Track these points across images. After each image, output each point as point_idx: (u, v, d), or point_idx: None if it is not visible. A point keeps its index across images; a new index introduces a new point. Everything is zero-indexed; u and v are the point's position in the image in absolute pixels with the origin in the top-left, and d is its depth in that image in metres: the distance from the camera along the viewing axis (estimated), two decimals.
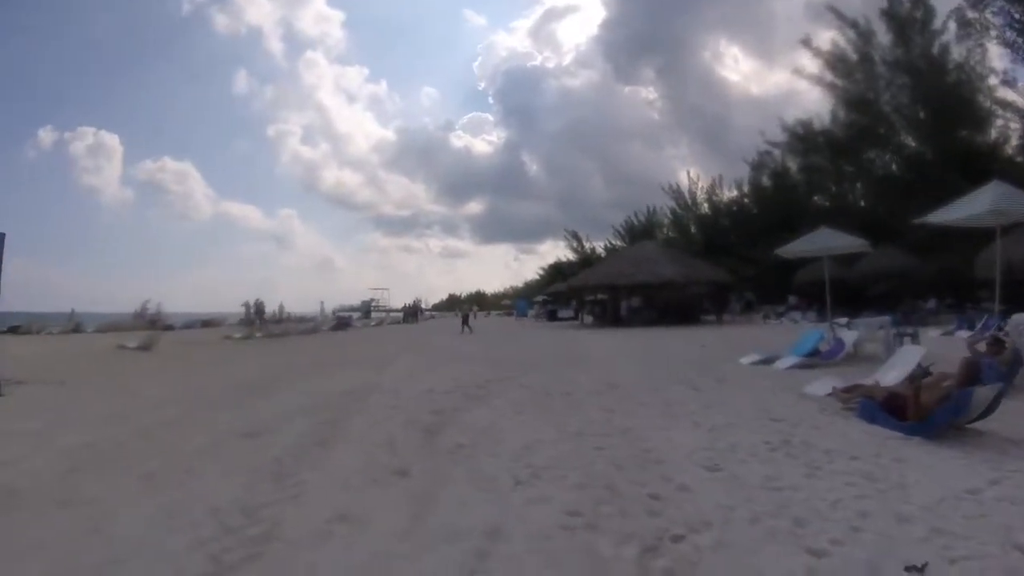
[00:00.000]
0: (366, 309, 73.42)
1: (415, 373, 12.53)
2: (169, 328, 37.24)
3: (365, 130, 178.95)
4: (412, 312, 66.15)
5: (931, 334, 16.56)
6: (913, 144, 36.53)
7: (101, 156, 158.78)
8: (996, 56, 32.35)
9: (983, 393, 5.67)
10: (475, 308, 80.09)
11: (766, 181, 47.71)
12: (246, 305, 37.71)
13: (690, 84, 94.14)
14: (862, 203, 40.24)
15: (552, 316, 49.71)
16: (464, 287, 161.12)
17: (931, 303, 28.20)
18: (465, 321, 33.50)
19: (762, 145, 46.05)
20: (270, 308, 39.32)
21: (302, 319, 43.97)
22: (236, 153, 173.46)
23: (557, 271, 75.57)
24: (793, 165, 44.94)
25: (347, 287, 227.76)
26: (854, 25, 37.06)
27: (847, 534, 3.44)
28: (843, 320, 17.45)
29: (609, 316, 36.14)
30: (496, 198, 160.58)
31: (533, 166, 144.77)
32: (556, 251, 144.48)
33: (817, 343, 12.71)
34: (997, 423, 5.83)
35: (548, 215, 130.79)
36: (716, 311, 35.81)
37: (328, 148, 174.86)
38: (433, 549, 3.46)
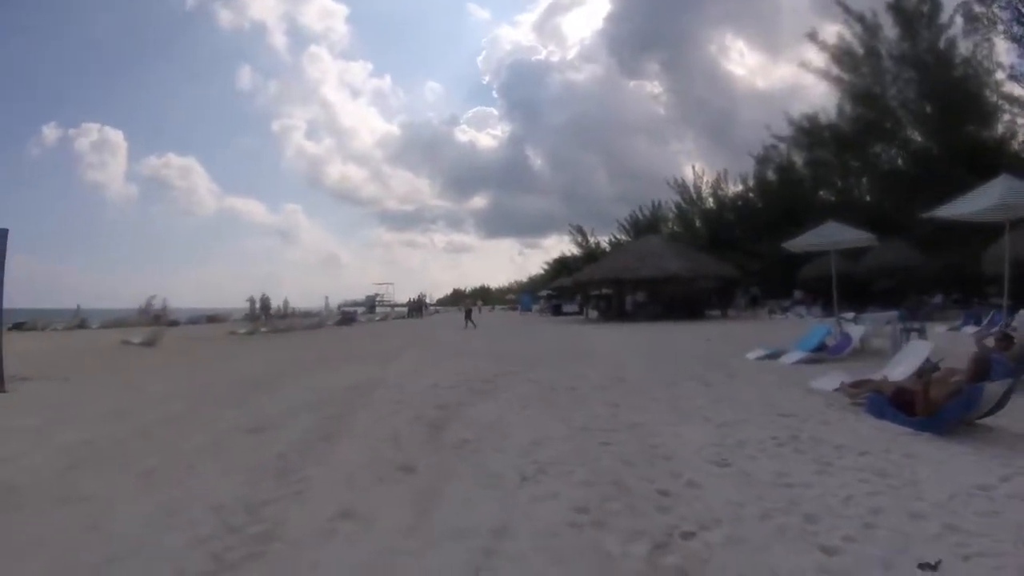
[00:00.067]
0: (370, 304, 73.42)
1: (420, 368, 12.51)
2: (174, 324, 37.35)
3: (369, 125, 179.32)
4: (416, 307, 66.26)
5: (937, 329, 16.45)
6: (919, 139, 36.30)
7: (105, 152, 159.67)
8: (1003, 51, 32.14)
9: (993, 389, 5.60)
10: (479, 303, 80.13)
11: (771, 175, 47.39)
12: (250, 300, 37.78)
13: (695, 78, 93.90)
14: (868, 198, 40.06)
15: (557, 311, 49.68)
16: (468, 282, 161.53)
17: (937, 298, 28.06)
18: (468, 316, 33.42)
19: (768, 139, 45.84)
20: (275, 303, 39.44)
21: (307, 314, 43.98)
22: (240, 148, 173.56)
23: (562, 266, 75.47)
24: (799, 159, 44.65)
25: (351, 282, 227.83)
26: (861, 19, 36.84)
27: (860, 531, 3.39)
28: (850, 315, 17.34)
29: (614, 311, 36.02)
30: (500, 193, 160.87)
31: (537, 160, 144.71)
32: (560, 246, 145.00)
33: (824, 338, 12.62)
34: (1006, 419, 5.75)
35: (552, 210, 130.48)
36: (721, 306, 35.69)
37: (332, 143, 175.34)
38: (438, 547, 3.40)
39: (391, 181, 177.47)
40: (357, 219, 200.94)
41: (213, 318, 46.89)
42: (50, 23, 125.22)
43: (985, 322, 17.34)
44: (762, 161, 47.66)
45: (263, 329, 30.66)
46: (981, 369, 6.28)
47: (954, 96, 32.82)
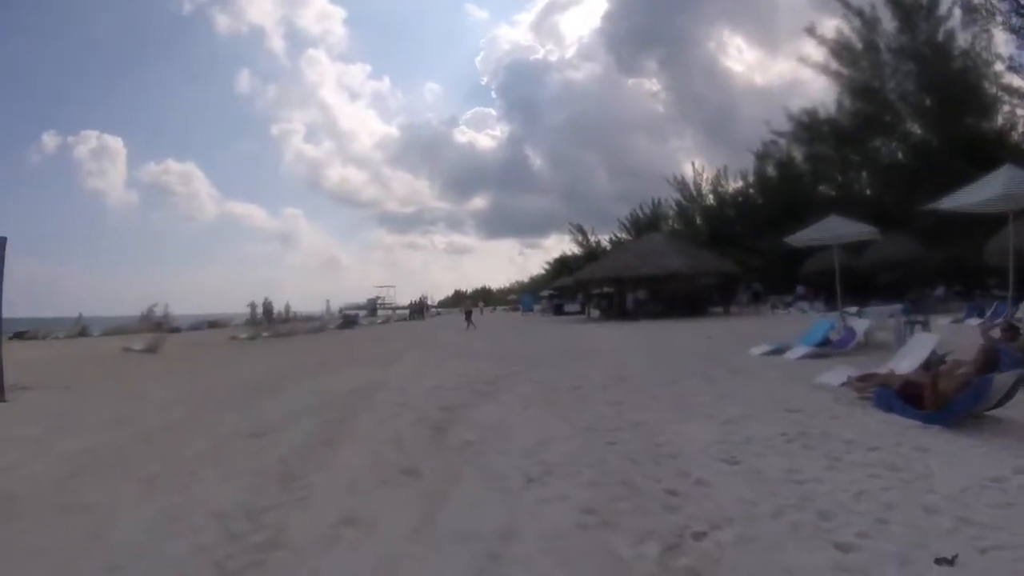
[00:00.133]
0: (372, 307, 73.27)
1: (422, 370, 12.44)
2: (175, 330, 37.34)
3: (368, 127, 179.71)
4: (418, 309, 66.22)
5: (940, 322, 16.37)
6: (919, 132, 36.17)
7: (105, 159, 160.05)
8: (1002, 42, 31.96)
9: (1002, 380, 5.55)
10: (481, 304, 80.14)
11: (771, 171, 47.36)
12: (251, 305, 37.68)
13: (694, 75, 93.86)
14: (868, 192, 39.94)
15: (558, 310, 49.56)
16: (470, 283, 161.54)
17: (939, 291, 28.02)
18: (468, 317, 33.40)
19: (767, 135, 45.79)
20: (276, 308, 39.31)
21: (308, 318, 43.92)
22: (240, 153, 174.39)
23: (563, 265, 75.48)
24: (798, 155, 44.58)
25: (353, 285, 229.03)
26: (859, 13, 36.68)
27: (873, 527, 3.33)
28: (853, 309, 17.27)
29: (616, 309, 35.89)
30: (500, 193, 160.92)
31: (537, 160, 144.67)
32: (561, 245, 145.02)
33: (827, 332, 12.57)
34: (1014, 410, 5.69)
35: (552, 209, 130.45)
36: (723, 302, 35.62)
37: (332, 146, 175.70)
38: (443, 551, 3.34)
39: (391, 183, 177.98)
40: (357, 222, 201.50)
41: (215, 324, 46.97)
42: (47, 26, 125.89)
43: (988, 314, 17.29)
44: (762, 157, 47.72)
45: (264, 334, 30.61)
46: (990, 360, 6.23)
47: (953, 88, 32.70)
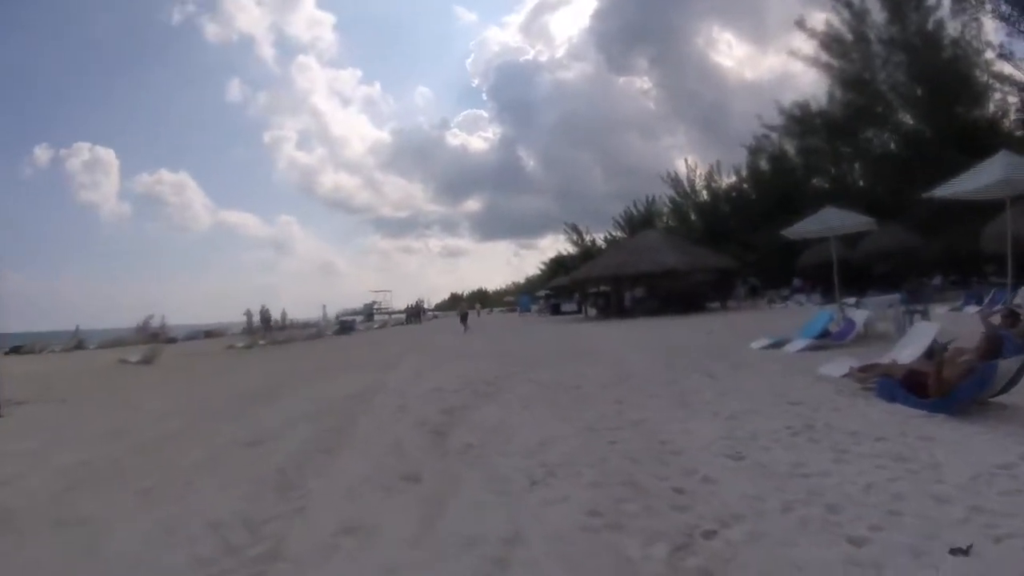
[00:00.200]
0: (368, 312, 73.29)
1: (421, 373, 12.36)
2: (172, 340, 37.25)
3: (360, 132, 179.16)
4: (415, 313, 66.15)
5: (939, 311, 16.33)
6: (911, 122, 36.24)
7: (98, 171, 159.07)
8: (992, 30, 31.99)
9: (1006, 365, 5.52)
10: (478, 306, 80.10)
11: (764, 165, 47.39)
12: (247, 314, 37.52)
13: (684, 72, 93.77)
14: (861, 183, 39.98)
15: (555, 310, 49.45)
16: (466, 285, 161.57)
17: (937, 280, 28.02)
18: (464, 319, 33.37)
19: (759, 129, 45.84)
20: (273, 315, 39.12)
21: (305, 325, 43.81)
22: (233, 161, 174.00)
23: (559, 265, 75.45)
24: (791, 148, 44.65)
25: (349, 291, 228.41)
26: (848, 4, 36.66)
27: (884, 519, 3.28)
28: (851, 300, 17.25)
29: (613, 308, 35.84)
30: (494, 195, 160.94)
31: (530, 161, 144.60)
32: (556, 245, 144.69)
33: (827, 324, 12.51)
34: (1019, 396, 5.63)
35: (547, 209, 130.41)
36: (721, 298, 35.59)
37: (324, 152, 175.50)
38: (447, 558, 3.26)
39: (384, 188, 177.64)
40: (352, 227, 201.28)
41: (211, 333, 46.87)
42: (37, 40, 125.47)
43: (987, 301, 17.26)
44: (754, 151, 47.69)
45: (261, 342, 30.51)
46: (993, 347, 6.17)
47: (944, 77, 32.74)
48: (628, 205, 65.28)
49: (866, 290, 23.68)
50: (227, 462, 5.88)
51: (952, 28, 33.20)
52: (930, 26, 33.92)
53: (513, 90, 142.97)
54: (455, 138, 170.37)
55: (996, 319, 8.64)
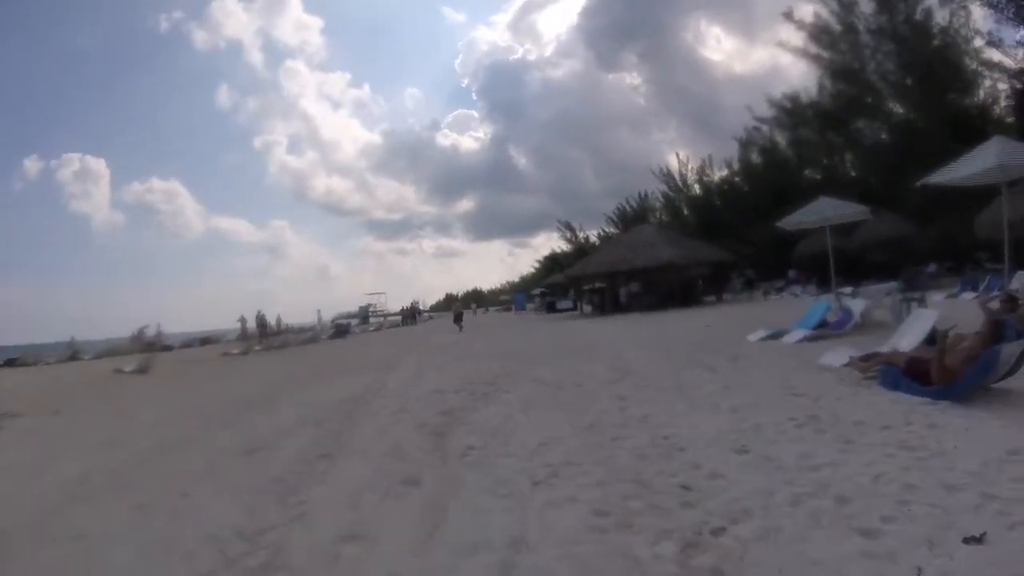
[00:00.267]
0: (364, 315, 73.16)
1: (419, 374, 12.28)
2: (167, 348, 37.02)
3: (351, 135, 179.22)
4: (411, 314, 66.00)
5: (935, 298, 16.31)
6: (901, 111, 36.41)
7: (89, 181, 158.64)
8: (980, 17, 32.09)
9: (1009, 350, 5.47)
10: (474, 305, 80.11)
11: (756, 158, 47.68)
12: (241, 320, 37.28)
13: (674, 67, 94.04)
14: (853, 173, 40.08)
15: (551, 308, 49.30)
16: (461, 285, 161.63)
17: (931, 267, 28.03)
18: (459, 319, 33.27)
19: (750, 122, 46.07)
20: (269, 320, 38.87)
21: (301, 329, 43.62)
22: (224, 168, 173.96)
23: (553, 262, 75.51)
24: (782, 140, 44.89)
25: (344, 294, 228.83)
26: None
27: (896, 509, 3.23)
28: (848, 290, 17.22)
29: (609, 304, 35.77)
30: (487, 194, 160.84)
31: (522, 160, 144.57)
32: (550, 243, 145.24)
33: (824, 314, 12.47)
34: (1020, 381, 5.60)
35: (540, 208, 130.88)
36: (716, 291, 35.57)
37: (315, 156, 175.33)
38: (451, 565, 3.18)
39: (377, 190, 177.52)
40: (345, 230, 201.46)
41: (207, 340, 46.63)
42: (23, 52, 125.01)
43: (982, 287, 17.26)
44: (746, 144, 48.01)
45: (257, 348, 30.33)
46: (995, 332, 6.13)
47: (934, 66, 32.90)
48: (621, 201, 65.49)
49: (862, 279, 23.70)
50: (224, 471, 5.79)
51: (940, 17, 33.43)
52: (918, 15, 34.06)
53: (503, 89, 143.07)
54: (446, 139, 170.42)
55: (995, 304, 8.60)
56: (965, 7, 31.87)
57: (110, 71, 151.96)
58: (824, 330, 11.72)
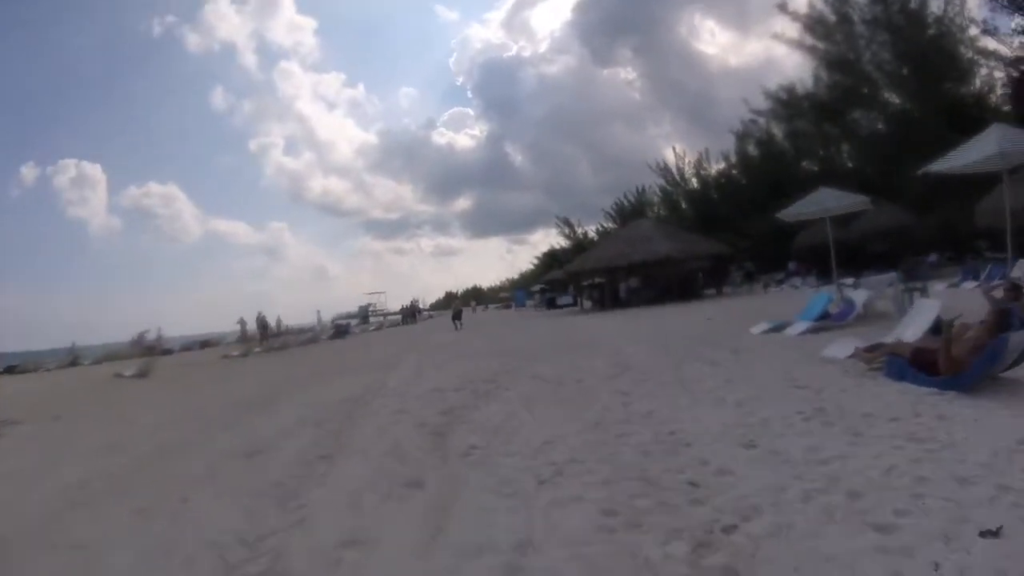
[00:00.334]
0: (364, 314, 73.12)
1: (420, 373, 12.22)
2: (167, 352, 37.00)
3: (347, 135, 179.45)
4: (410, 313, 65.94)
5: (937, 287, 16.24)
6: (898, 101, 36.33)
7: (86, 187, 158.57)
8: (975, 5, 32.10)
9: (1016, 339, 5.39)
10: (473, 303, 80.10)
11: (753, 151, 47.61)
12: (241, 322, 37.21)
13: (668, 61, 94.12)
14: (850, 164, 40.05)
15: (551, 304, 49.27)
16: (460, 283, 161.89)
17: (932, 257, 27.98)
18: (457, 317, 33.14)
19: (746, 115, 46.05)
20: (269, 322, 38.76)
21: (301, 330, 43.59)
22: (220, 170, 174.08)
23: (552, 259, 75.51)
24: (779, 132, 44.86)
25: (343, 294, 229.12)
26: None
27: (910, 503, 3.16)
28: (849, 281, 17.16)
29: (608, 299, 35.74)
30: (484, 192, 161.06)
31: (518, 157, 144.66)
32: (548, 239, 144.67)
33: (826, 306, 12.40)
34: None
35: (537, 204, 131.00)
36: (716, 284, 35.52)
37: (312, 157, 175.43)
38: (456, 568, 3.10)
39: (374, 190, 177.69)
40: (342, 231, 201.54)
41: (206, 343, 46.59)
42: (17, 59, 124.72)
43: (983, 276, 17.21)
44: (742, 137, 47.92)
45: (257, 349, 30.29)
46: (1001, 321, 6.05)
47: (929, 55, 32.87)
48: (618, 196, 65.40)
49: (862, 270, 23.63)
50: (224, 475, 5.72)
51: (935, 6, 33.48)
52: (913, 4, 34.07)
53: (498, 87, 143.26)
54: (442, 137, 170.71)
55: (999, 293, 8.54)
56: None
57: (105, 77, 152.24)
58: (826, 322, 11.65)
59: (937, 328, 7.35)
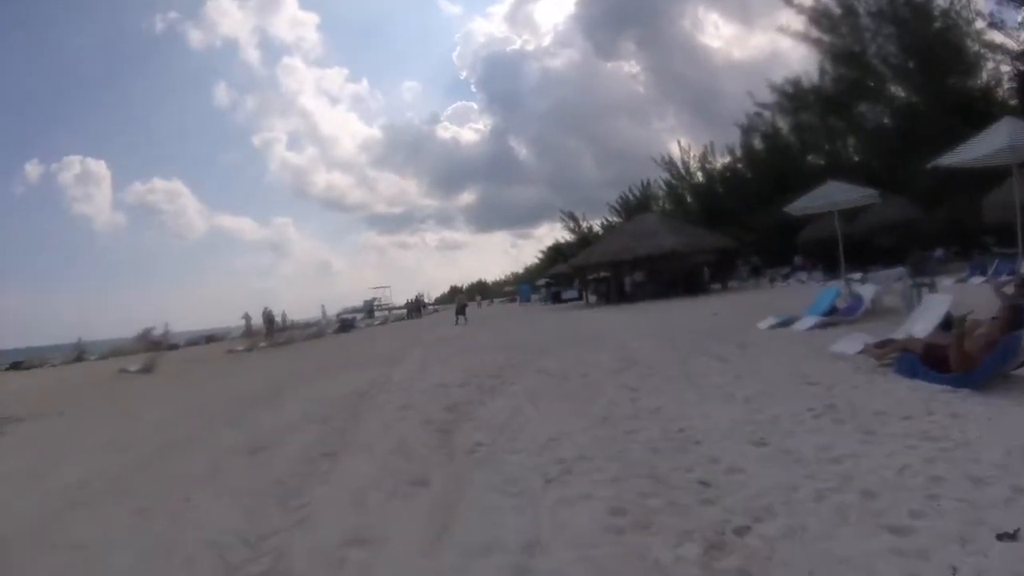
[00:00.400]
0: (369, 309, 73.07)
1: (424, 367, 12.20)
2: (173, 347, 37.01)
3: (351, 130, 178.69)
4: (415, 307, 65.91)
5: (944, 283, 16.11)
6: (903, 94, 36.11)
7: (90, 184, 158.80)
8: None
9: None
10: (478, 297, 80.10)
11: (758, 144, 47.34)
12: (246, 317, 37.18)
13: (672, 54, 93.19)
14: (856, 158, 39.87)
15: (556, 298, 49.16)
16: (465, 277, 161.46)
17: (939, 252, 27.83)
18: (461, 312, 32.94)
19: (751, 108, 45.80)
20: (275, 316, 38.71)
21: (306, 325, 43.60)
22: (224, 166, 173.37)
23: (557, 253, 75.42)
24: (784, 126, 44.63)
25: (347, 289, 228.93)
26: None
27: (924, 504, 3.09)
28: (857, 275, 17.06)
29: (614, 293, 35.61)
30: (488, 186, 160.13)
31: (522, 150, 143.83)
32: (553, 233, 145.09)
33: (834, 301, 12.31)
34: None
35: (542, 198, 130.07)
36: (721, 279, 35.42)
37: (315, 152, 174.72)
38: (463, 568, 3.05)
39: (377, 185, 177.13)
40: (347, 225, 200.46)
41: (211, 338, 46.64)
42: (20, 56, 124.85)
43: (990, 271, 17.11)
44: (747, 130, 47.69)
45: (262, 344, 30.29)
46: (1013, 317, 5.98)
47: (935, 48, 32.57)
48: (623, 190, 65.21)
49: (868, 265, 23.50)
50: (227, 472, 5.66)
51: None
52: None
53: (501, 81, 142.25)
54: (446, 131, 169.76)
55: (1009, 289, 8.46)
56: None
57: (108, 73, 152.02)
58: (834, 317, 11.57)
59: (947, 324, 7.27)
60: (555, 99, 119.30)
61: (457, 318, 31.72)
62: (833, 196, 14.15)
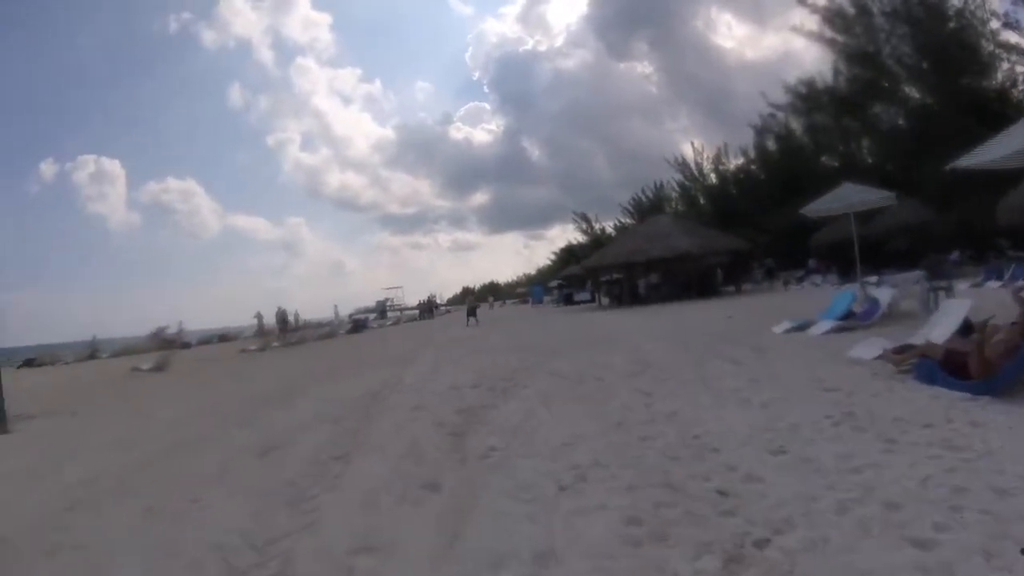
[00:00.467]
0: (381, 309, 73.21)
1: (436, 369, 12.16)
2: (186, 346, 37.19)
3: (364, 131, 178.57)
4: (428, 308, 66.00)
5: (960, 287, 15.95)
6: (918, 95, 35.86)
7: (105, 183, 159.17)
8: None
9: None
10: (491, 299, 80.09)
11: (771, 145, 47.21)
12: (258, 316, 37.28)
13: (685, 55, 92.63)
14: (870, 160, 39.64)
15: (569, 300, 49.08)
16: (477, 278, 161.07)
17: (954, 255, 27.58)
18: (472, 313, 32.84)
19: (764, 109, 45.62)
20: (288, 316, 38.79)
21: (319, 325, 43.71)
22: (238, 166, 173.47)
23: (569, 254, 75.35)
24: (798, 127, 44.45)
25: (360, 289, 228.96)
26: None
27: (948, 516, 3.00)
28: (873, 279, 16.90)
29: (627, 295, 35.49)
30: (501, 187, 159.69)
31: (535, 151, 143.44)
32: (565, 235, 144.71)
33: (850, 305, 12.16)
34: None
35: (554, 199, 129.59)
36: (735, 281, 35.23)
37: (329, 152, 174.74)
38: None
39: (391, 185, 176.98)
40: (360, 226, 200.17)
41: (224, 337, 46.84)
42: (36, 55, 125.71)
43: (1007, 276, 16.94)
44: (761, 131, 47.56)
45: (275, 344, 30.38)
46: None
47: (950, 49, 32.35)
48: (636, 191, 65.08)
49: (882, 268, 23.32)
50: (236, 473, 5.64)
51: None
52: None
53: (514, 81, 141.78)
54: (459, 132, 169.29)
55: None
56: None
57: (122, 73, 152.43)
58: (851, 321, 11.41)
59: (965, 329, 7.16)
60: (568, 100, 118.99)
61: (468, 319, 31.64)
62: (849, 198, 14.01)
